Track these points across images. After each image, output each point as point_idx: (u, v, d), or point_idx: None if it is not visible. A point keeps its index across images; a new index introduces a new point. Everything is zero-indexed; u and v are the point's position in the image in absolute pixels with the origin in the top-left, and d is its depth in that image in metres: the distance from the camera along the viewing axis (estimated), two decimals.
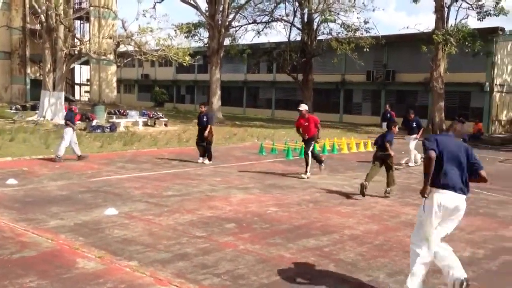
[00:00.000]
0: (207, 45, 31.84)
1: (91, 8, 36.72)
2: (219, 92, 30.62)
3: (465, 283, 4.40)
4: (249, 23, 34.14)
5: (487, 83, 29.40)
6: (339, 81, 36.77)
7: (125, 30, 25.89)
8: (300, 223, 7.39)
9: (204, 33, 33.67)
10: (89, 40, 33.21)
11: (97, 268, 5.25)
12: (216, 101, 30.33)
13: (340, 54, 31.34)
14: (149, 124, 25.42)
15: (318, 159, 12.11)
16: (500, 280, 5.29)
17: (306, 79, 33.46)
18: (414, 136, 14.17)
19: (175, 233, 6.60)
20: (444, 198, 4.60)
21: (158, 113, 27.73)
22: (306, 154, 11.70)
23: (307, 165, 11.58)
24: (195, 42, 34.86)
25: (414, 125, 14.31)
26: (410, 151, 14.18)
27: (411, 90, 33.38)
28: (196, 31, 33.46)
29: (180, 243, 6.17)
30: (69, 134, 12.75)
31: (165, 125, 25.21)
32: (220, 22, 30.06)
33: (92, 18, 39.62)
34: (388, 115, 20.82)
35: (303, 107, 12.11)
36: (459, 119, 4.98)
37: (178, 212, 7.78)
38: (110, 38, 29.07)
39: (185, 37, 32.46)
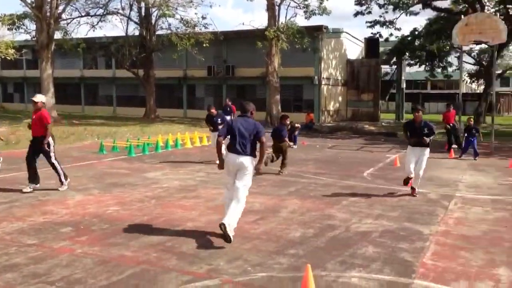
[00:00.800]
0: (35, 38, 29.31)
1: None
2: (52, 89, 28.42)
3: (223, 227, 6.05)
4: (82, 16, 32.27)
5: (316, 77, 32.11)
6: (181, 77, 36.89)
7: None
8: (142, 220, 7.29)
9: (31, 26, 30.93)
10: None
11: None
12: (49, 99, 28.11)
13: (181, 50, 31.41)
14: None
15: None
16: (326, 255, 5.85)
17: (148, 74, 32.90)
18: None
19: (1, 243, 6.01)
20: (230, 158, 6.49)
21: None
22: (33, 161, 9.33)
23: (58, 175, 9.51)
24: (21, 35, 31.90)
25: (219, 121, 13.24)
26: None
27: (250, 84, 34.94)
28: (21, 22, 30.52)
29: (7, 254, 5.64)
30: None
31: None
32: (48, 14, 27.85)
33: None
34: (228, 109, 21.57)
35: (39, 98, 9.37)
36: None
37: (6, 220, 7.10)
38: None
39: (8, 29, 29.49)
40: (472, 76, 44.35)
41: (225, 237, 6.08)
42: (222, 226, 6.06)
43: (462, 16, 18.84)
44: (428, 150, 9.37)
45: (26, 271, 5.12)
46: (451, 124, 17.83)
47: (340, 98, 35.97)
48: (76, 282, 4.87)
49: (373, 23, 33.88)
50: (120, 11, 32.54)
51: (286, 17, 29.33)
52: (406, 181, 9.45)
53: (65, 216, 7.41)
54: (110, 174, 11.27)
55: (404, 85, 40.66)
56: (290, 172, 12.02)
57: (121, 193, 9.19)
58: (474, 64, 42.58)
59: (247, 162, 6.45)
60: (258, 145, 6.58)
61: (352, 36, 37.43)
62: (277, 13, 28.62)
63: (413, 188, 9.45)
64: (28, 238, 6.26)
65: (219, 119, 13.30)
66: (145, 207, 8.15)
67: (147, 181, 10.51)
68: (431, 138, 9.32)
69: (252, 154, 6.53)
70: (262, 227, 6.99)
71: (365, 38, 36.65)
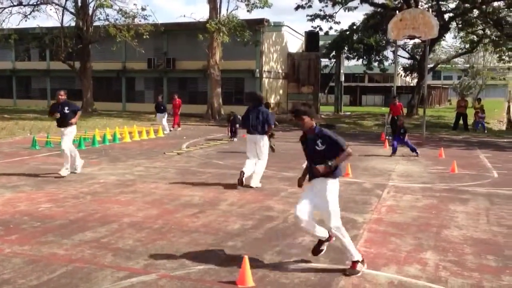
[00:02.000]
0: None
1: None
2: None
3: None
4: (14, 5, 30.71)
5: (257, 70, 32.29)
6: (120, 69, 35.99)
7: None
8: (76, 216, 7.07)
9: None
10: None
11: None
12: None
13: (120, 41, 30.58)
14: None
15: None
16: (264, 245, 5.93)
17: (84, 67, 31.81)
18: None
19: None
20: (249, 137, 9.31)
21: None
22: None
23: None
24: None
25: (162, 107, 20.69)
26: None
27: (192, 77, 34.62)
28: None
29: None
30: None
31: None
32: None
33: None
34: (162, 107, 21.29)
35: None
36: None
37: None
38: None
39: None
40: (406, 69, 46.13)
41: (238, 181, 9.11)
42: (242, 173, 9.09)
43: (397, 12, 19.55)
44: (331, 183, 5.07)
45: None
46: (397, 117, 17.52)
47: (281, 91, 36.37)
48: (4, 282, 4.66)
49: (313, 17, 34.49)
50: (55, 0, 31.22)
51: (227, 10, 29.26)
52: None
53: None
54: (43, 170, 10.82)
55: (342, 78, 41.71)
56: (230, 165, 12.05)
57: (54, 190, 8.86)
58: (408, 58, 44.34)
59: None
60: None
61: (293, 30, 37.90)
62: (218, 6, 28.45)
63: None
64: None
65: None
66: (80, 203, 7.90)
67: (82, 177, 10.19)
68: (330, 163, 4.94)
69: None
70: (201, 220, 6.98)
71: (305, 32, 37.21)
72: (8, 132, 18.64)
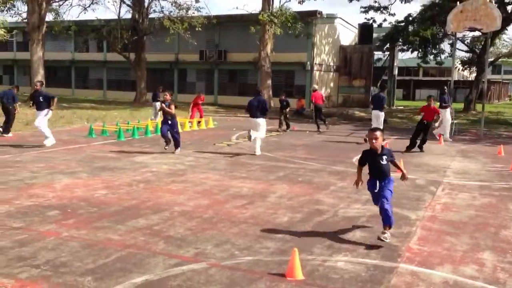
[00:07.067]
0: (26, 20, 28.90)
1: None
2: (42, 72, 28.11)
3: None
4: None
5: (308, 63, 32.00)
6: (173, 61, 36.63)
7: None
8: (130, 204, 7.26)
9: (23, 7, 30.48)
10: None
11: None
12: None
13: (173, 33, 31.12)
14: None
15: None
16: (312, 239, 5.87)
17: (139, 58, 32.63)
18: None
19: None
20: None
21: None
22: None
23: None
24: (12, 17, 31.42)
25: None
26: None
27: (242, 69, 34.78)
28: (12, 3, 30.08)
29: None
30: None
31: None
32: None
33: None
34: (157, 97, 20.88)
35: None
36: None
37: None
38: None
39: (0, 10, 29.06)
40: (465, 63, 44.33)
41: (248, 137, 12.07)
42: (249, 131, 12.02)
43: (458, 3, 18.75)
44: None
45: (11, 254, 5.09)
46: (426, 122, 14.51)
47: (331, 84, 35.91)
48: (61, 265, 4.85)
49: (368, 8, 33.74)
50: None
51: (280, 2, 29.10)
52: None
53: (52, 200, 7.37)
54: (99, 158, 11.20)
55: (396, 72, 40.66)
56: (279, 157, 12.03)
57: (109, 177, 9.15)
58: (466, 52, 42.58)
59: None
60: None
61: (346, 22, 37.27)
62: None
63: None
64: (14, 221, 6.22)
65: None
66: (133, 191, 8.12)
67: (136, 165, 10.46)
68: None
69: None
70: (250, 212, 7.00)
71: (359, 24, 36.50)
72: (66, 121, 19.40)
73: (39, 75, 27.73)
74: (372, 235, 6.02)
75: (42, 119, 12.81)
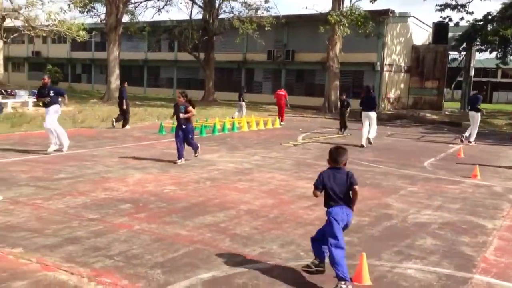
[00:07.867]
0: (104, 21, 30.38)
1: None
2: (117, 71, 29.45)
3: None
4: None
5: (378, 63, 31.24)
6: (241, 60, 37.05)
7: (11, 2, 23.90)
8: (198, 200, 7.41)
9: (101, 9, 32.09)
10: None
11: None
12: (114, 80, 29.13)
13: (242, 33, 31.50)
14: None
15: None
16: (380, 244, 5.71)
17: (208, 58, 33.31)
18: None
19: (65, 217, 6.31)
20: None
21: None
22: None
23: None
24: (91, 18, 33.15)
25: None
26: None
27: (310, 69, 34.56)
28: (92, 5, 31.74)
29: (70, 227, 5.91)
30: None
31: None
32: None
33: None
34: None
35: None
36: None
37: (70, 195, 7.44)
38: None
39: (80, 12, 30.75)
40: None
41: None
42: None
43: None
44: None
45: (87, 244, 5.34)
46: None
47: (402, 85, 34.85)
48: (133, 257, 5.03)
49: (443, 7, 32.40)
50: None
51: (351, 1, 28.61)
52: None
53: (125, 193, 7.67)
54: (168, 155, 11.53)
55: (472, 73, 38.77)
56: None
57: (178, 174, 9.39)
58: None
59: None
60: None
61: (420, 21, 36.01)
62: None
63: None
64: (90, 213, 6.53)
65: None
66: (201, 188, 8.28)
67: (203, 163, 10.67)
68: None
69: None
70: (316, 213, 6.92)
71: (433, 23, 35.12)
72: (138, 118, 20.17)
73: (115, 74, 29.07)
74: (445, 243, 5.76)
75: (53, 118, 11.41)
